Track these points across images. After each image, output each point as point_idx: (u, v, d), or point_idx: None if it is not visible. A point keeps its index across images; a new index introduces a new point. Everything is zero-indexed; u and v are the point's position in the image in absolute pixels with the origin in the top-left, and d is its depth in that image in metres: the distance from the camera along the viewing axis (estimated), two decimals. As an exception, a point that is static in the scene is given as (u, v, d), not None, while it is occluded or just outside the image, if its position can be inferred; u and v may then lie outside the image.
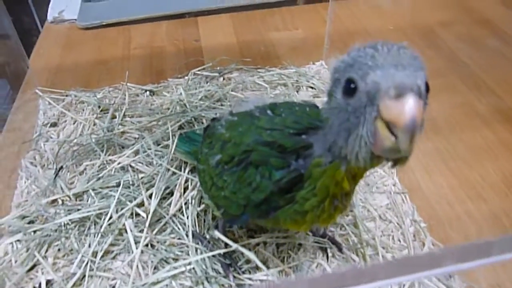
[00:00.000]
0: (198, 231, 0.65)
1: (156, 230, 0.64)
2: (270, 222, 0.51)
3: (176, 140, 0.71)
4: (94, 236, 0.62)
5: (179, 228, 0.64)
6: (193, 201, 0.67)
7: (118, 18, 1.17)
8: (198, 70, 0.95)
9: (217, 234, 0.57)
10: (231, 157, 0.49)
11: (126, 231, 0.63)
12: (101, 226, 0.63)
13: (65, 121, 0.84)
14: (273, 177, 0.44)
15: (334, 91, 0.37)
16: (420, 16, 1.23)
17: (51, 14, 1.19)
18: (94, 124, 0.82)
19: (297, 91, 0.90)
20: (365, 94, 0.33)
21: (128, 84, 0.90)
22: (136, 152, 0.75)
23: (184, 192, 0.69)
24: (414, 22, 1.20)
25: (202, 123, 0.81)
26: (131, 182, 0.70)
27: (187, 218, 0.65)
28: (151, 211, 0.64)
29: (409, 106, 0.30)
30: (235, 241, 0.64)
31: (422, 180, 0.76)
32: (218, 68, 0.97)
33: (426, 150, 0.82)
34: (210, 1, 1.24)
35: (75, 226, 0.64)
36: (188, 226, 0.64)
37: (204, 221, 0.66)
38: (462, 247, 0.26)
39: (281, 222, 0.47)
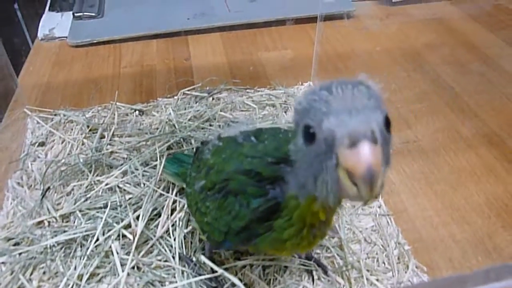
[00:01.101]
0: (185, 253, 0.65)
1: (143, 252, 0.64)
2: (252, 248, 0.51)
3: (163, 161, 0.71)
4: (80, 259, 0.62)
5: (166, 250, 0.64)
6: (181, 223, 0.67)
7: (109, 36, 1.18)
8: (188, 90, 0.96)
9: (203, 258, 0.57)
10: (213, 184, 0.50)
11: (112, 253, 0.63)
12: (87, 249, 0.63)
13: (54, 140, 0.84)
14: (251, 206, 0.45)
15: (296, 133, 0.36)
16: (407, 38, 1.26)
17: (42, 31, 1.20)
18: (83, 144, 0.82)
19: (285, 112, 0.92)
20: (323, 142, 0.32)
21: (117, 103, 0.91)
22: (124, 173, 0.75)
23: (172, 213, 0.69)
24: (401, 44, 1.22)
25: (191, 143, 0.81)
26: (118, 203, 0.70)
27: (174, 240, 0.65)
28: (138, 233, 0.64)
29: (364, 154, 0.29)
30: (222, 263, 0.64)
31: (407, 203, 0.77)
32: (207, 88, 0.98)
33: (411, 173, 0.84)
34: (201, 21, 1.25)
35: (61, 248, 0.64)
36: (175, 248, 0.64)
37: (191, 243, 0.66)
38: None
39: (261, 249, 0.48)
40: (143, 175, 0.74)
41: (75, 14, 1.23)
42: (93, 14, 1.24)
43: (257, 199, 0.44)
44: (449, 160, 0.87)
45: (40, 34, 1.19)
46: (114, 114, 0.88)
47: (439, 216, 0.76)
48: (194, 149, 0.65)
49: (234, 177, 0.47)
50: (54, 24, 1.22)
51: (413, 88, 1.06)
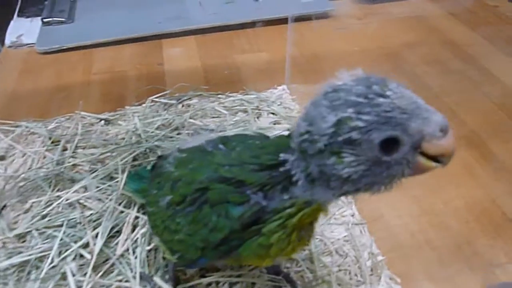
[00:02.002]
0: (147, 272, 0.61)
1: (102, 272, 0.61)
2: (230, 261, 0.48)
3: (124, 177, 0.67)
4: (34, 282, 0.59)
5: (126, 270, 0.61)
6: (143, 239, 0.64)
7: (79, 42, 1.14)
8: (156, 97, 0.93)
9: (159, 282, 0.54)
10: (183, 197, 0.46)
11: (71, 273, 0.59)
12: (41, 271, 0.59)
13: (14, 154, 0.80)
14: (230, 215, 0.42)
15: (342, 150, 0.35)
16: (386, 37, 1.23)
17: (9, 38, 1.16)
18: (44, 157, 0.79)
19: (258, 118, 0.89)
20: (409, 144, 0.34)
21: (83, 112, 0.87)
22: (86, 187, 0.72)
23: (134, 230, 0.65)
24: (380, 43, 1.20)
25: (158, 153, 0.78)
26: (78, 221, 0.66)
27: (136, 258, 0.62)
28: (95, 252, 0.60)
29: (452, 138, 0.35)
30: (187, 280, 0.61)
31: (383, 209, 0.75)
32: (177, 94, 0.95)
33: (388, 177, 0.81)
34: (175, 24, 1.22)
35: (14, 272, 0.60)
36: (136, 267, 0.61)
37: (154, 261, 0.63)
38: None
39: (242, 258, 0.45)
40: (105, 190, 0.71)
41: (44, 20, 1.19)
42: (63, 19, 1.20)
43: (239, 206, 0.42)
44: (427, 163, 0.84)
45: (7, 41, 1.16)
46: (78, 125, 0.84)
47: (417, 222, 0.73)
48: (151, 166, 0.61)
49: (212, 186, 0.44)
50: (23, 30, 1.18)
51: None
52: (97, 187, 0.71)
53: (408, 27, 1.28)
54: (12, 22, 1.22)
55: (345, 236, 0.68)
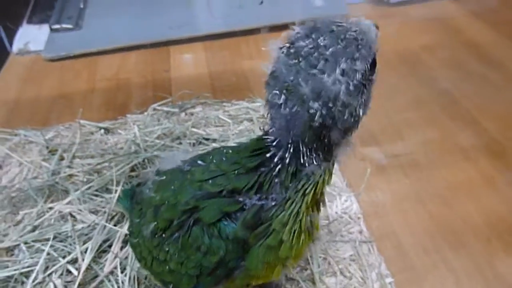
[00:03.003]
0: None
1: (90, 288, 0.57)
2: (232, 284, 0.44)
3: (118, 192, 0.64)
4: (17, 300, 0.56)
5: (116, 288, 0.57)
6: (133, 255, 0.60)
7: (85, 49, 1.13)
8: (159, 105, 0.89)
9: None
10: (169, 222, 0.42)
11: (56, 291, 0.56)
12: (26, 287, 0.56)
13: (11, 163, 0.78)
14: (224, 234, 0.40)
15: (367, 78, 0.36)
16: (403, 40, 1.17)
17: (17, 45, 1.15)
18: (40, 167, 0.76)
19: (263, 127, 0.84)
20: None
21: (82, 121, 0.85)
22: (80, 199, 0.69)
23: (126, 245, 0.62)
24: (397, 46, 1.14)
25: (156, 164, 0.74)
26: (68, 234, 0.63)
27: (125, 276, 0.58)
28: (83, 269, 0.57)
29: None
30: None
31: (395, 225, 0.69)
32: (180, 102, 0.91)
33: (401, 190, 0.75)
34: (183, 30, 1.19)
35: (-1, 287, 0.58)
36: (125, 285, 0.57)
37: (146, 279, 0.59)
38: None
39: (250, 273, 0.42)
40: (99, 202, 0.68)
41: (52, 27, 1.18)
42: (70, 26, 1.18)
43: (231, 223, 0.40)
44: (445, 175, 0.78)
45: (14, 48, 1.15)
46: (77, 134, 0.81)
47: (431, 240, 0.67)
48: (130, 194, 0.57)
49: (202, 205, 0.40)
50: (30, 37, 1.18)
51: (407, 94, 0.97)
52: (91, 198, 0.68)
53: (427, 29, 1.22)
54: (20, 29, 1.21)
55: (351, 255, 0.62)
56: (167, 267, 0.43)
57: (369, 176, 0.75)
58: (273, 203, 0.39)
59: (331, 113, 0.34)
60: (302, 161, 0.37)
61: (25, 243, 0.63)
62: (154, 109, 0.89)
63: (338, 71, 0.33)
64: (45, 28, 1.20)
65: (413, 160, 0.81)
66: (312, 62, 0.34)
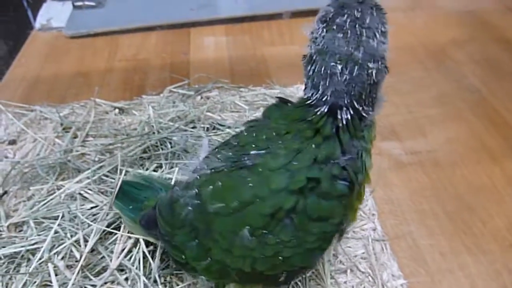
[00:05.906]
0: (145, 275, 0.56)
1: (95, 272, 0.57)
2: None
3: (116, 190, 0.60)
4: (22, 276, 0.56)
5: (121, 272, 0.56)
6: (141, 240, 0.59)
7: (106, 27, 1.12)
8: (174, 88, 0.88)
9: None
10: (269, 216, 0.41)
11: (59, 271, 0.56)
12: (30, 266, 0.56)
13: (26, 138, 0.78)
14: (339, 192, 0.41)
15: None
16: (432, 33, 1.13)
17: (39, 21, 1.15)
18: (54, 144, 0.76)
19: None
20: None
21: (98, 100, 0.84)
22: (90, 178, 0.68)
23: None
24: (425, 39, 1.10)
25: (170, 147, 0.73)
26: (76, 214, 0.63)
27: (130, 259, 0.57)
28: (86, 251, 0.56)
29: None
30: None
31: (412, 225, 0.66)
32: (196, 85, 0.89)
33: (420, 189, 0.72)
34: (205, 12, 1.17)
35: (3, 263, 0.57)
36: (131, 269, 0.56)
37: (152, 262, 0.58)
38: None
39: (353, 222, 0.45)
40: (110, 183, 0.67)
41: (75, 4, 1.18)
42: (93, 3, 1.18)
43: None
44: (467, 175, 0.75)
45: (37, 24, 1.15)
46: (91, 112, 0.81)
47: (449, 242, 0.65)
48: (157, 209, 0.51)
49: (319, 174, 0.41)
50: (53, 13, 1.17)
51: (432, 89, 0.93)
52: (101, 179, 0.68)
53: (457, 22, 1.17)
54: (44, 5, 1.21)
55: (363, 253, 0.60)
56: (280, 257, 0.42)
57: (387, 172, 0.72)
58: (355, 156, 0.42)
59: (380, 69, 0.39)
60: (362, 114, 0.41)
61: (35, 219, 0.62)
62: (170, 91, 0.87)
63: (378, 35, 0.39)
64: (68, 5, 1.20)
65: (434, 158, 0.78)
66: (358, 32, 0.38)
